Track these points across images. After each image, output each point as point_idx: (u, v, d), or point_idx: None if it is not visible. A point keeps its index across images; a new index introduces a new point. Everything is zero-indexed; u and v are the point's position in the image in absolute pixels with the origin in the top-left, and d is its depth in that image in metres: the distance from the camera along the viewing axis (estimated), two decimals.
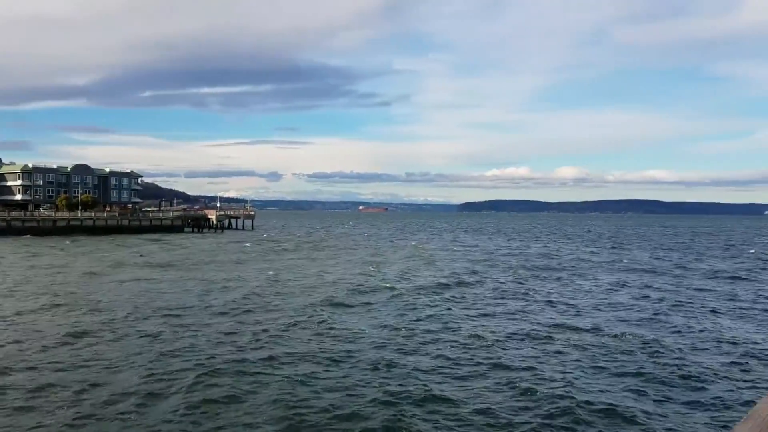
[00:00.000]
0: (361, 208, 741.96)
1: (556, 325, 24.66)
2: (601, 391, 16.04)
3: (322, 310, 27.34)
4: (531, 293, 34.17)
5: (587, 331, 23.72)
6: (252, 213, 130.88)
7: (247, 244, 76.28)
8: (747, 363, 18.98)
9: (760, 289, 37.21)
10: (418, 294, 33.25)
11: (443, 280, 39.60)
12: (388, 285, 36.39)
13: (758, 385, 16.79)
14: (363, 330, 23.17)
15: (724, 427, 13.41)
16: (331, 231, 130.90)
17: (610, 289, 36.47)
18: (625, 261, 58.32)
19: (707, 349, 20.99)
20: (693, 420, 14.07)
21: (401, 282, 38.70)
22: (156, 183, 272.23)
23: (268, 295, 32.30)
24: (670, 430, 13.48)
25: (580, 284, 39.22)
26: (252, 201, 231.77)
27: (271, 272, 43.72)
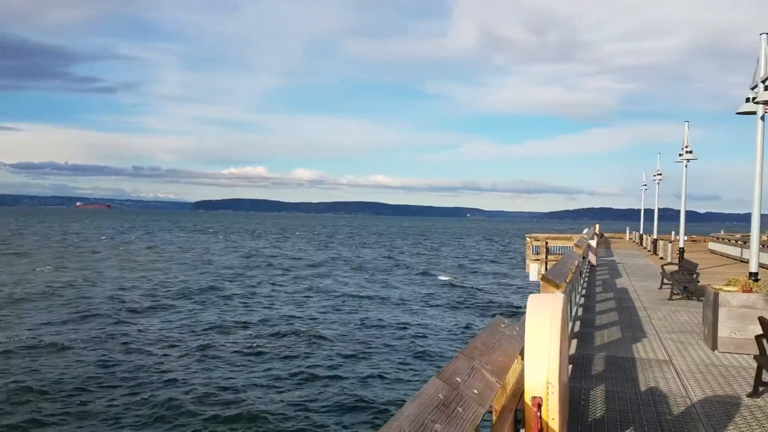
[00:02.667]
0: (78, 204, 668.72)
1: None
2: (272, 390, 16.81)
3: None
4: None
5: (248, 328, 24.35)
6: None
7: None
8: (413, 349, 21.59)
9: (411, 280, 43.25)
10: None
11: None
12: None
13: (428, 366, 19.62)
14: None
15: (394, 407, 14.74)
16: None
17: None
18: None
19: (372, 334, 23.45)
20: (362, 404, 15.42)
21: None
22: None
23: None
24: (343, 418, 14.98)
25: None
26: None
27: None
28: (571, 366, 8.51)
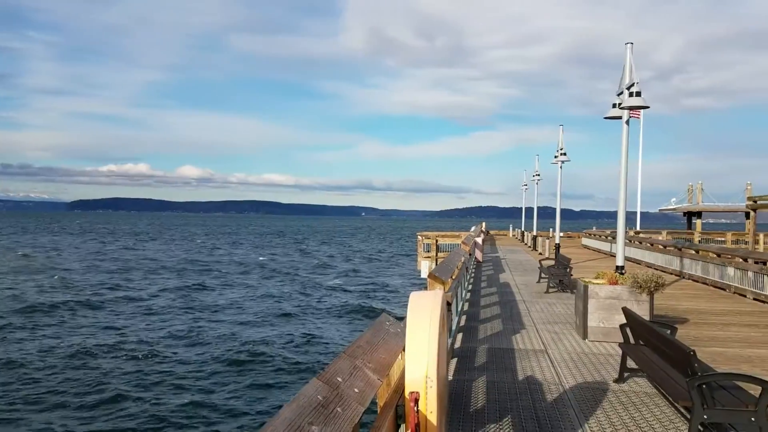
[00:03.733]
0: None
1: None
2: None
3: None
4: None
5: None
6: None
7: None
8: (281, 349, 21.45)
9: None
10: None
11: None
12: None
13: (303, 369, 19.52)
14: None
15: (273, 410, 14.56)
16: None
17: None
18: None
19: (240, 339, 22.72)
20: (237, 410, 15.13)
21: None
22: None
23: None
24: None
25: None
26: None
27: None
28: (456, 359, 8.79)
